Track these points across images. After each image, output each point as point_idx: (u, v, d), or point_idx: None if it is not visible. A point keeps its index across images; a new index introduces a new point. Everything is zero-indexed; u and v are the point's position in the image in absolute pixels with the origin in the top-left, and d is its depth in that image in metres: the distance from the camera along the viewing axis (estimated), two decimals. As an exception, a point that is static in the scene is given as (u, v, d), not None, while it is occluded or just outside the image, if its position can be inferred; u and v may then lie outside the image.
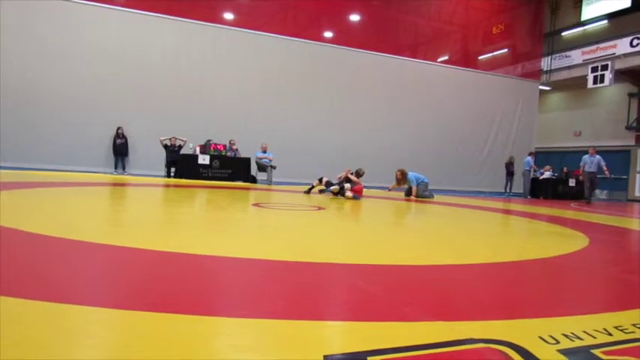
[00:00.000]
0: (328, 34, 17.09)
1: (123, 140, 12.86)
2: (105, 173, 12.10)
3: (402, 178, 10.19)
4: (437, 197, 10.32)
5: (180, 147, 12.52)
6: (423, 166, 16.35)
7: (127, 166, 12.97)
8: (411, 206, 8.05)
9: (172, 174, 12.18)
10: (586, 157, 12.91)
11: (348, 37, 16.55)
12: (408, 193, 10.13)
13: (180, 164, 12.03)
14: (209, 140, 12.51)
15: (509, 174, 16.29)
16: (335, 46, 16.07)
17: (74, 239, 2.67)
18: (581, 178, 13.02)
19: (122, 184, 8.81)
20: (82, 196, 5.89)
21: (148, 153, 13.00)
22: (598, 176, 13.27)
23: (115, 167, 12.83)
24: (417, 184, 10.01)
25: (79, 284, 1.84)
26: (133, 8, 13.39)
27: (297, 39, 15.30)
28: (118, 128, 12.77)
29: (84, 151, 12.51)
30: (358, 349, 1.29)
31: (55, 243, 2.56)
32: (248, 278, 2.15)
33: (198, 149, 12.28)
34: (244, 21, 15.16)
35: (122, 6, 13.41)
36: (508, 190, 16.18)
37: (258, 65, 14.72)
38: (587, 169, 12.85)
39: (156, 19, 13.62)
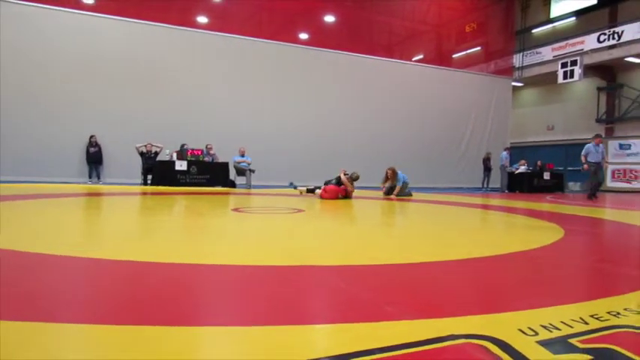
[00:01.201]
0: (303, 36, 17.10)
1: (96, 149, 12.62)
2: (79, 183, 11.86)
3: (392, 176, 10.12)
4: (416, 195, 10.41)
5: (156, 154, 12.34)
6: (400, 164, 16.45)
7: (101, 175, 12.73)
8: (390, 205, 8.10)
9: (149, 181, 12.00)
10: (590, 145, 11.35)
11: (322, 39, 16.58)
12: (389, 191, 10.11)
13: (157, 171, 11.85)
14: (184, 145, 12.34)
15: (487, 169, 16.54)
16: (310, 47, 16.08)
17: (47, 253, 2.61)
18: (583, 168, 11.36)
19: (97, 194, 8.65)
20: (55, 207, 5.76)
21: (123, 161, 12.78)
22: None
23: (90, 177, 12.58)
24: (402, 184, 10.01)
25: (54, 301, 1.80)
26: (103, 14, 13.16)
27: (271, 41, 15.25)
28: (91, 136, 12.53)
29: (56, 162, 12.21)
30: (341, 352, 1.29)
31: (26, 258, 2.50)
32: (229, 285, 2.14)
33: (175, 155, 12.13)
34: (218, 24, 15.07)
35: (92, 12, 13.17)
36: (486, 186, 16.42)
37: (233, 69, 14.63)
38: (590, 159, 11.25)
39: (127, 25, 13.42)
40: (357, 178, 9.03)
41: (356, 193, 9.28)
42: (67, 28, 12.61)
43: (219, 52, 14.51)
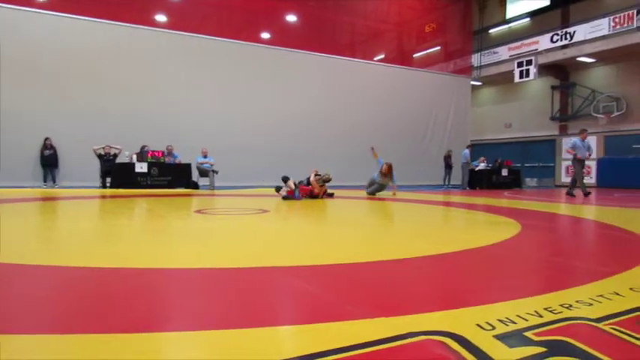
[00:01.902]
0: (265, 36, 17.00)
1: (51, 151, 12.15)
2: (33, 187, 11.39)
3: (388, 172, 9.79)
4: (379, 193, 10.49)
5: (115, 156, 12.00)
6: (363, 162, 16.67)
7: (57, 179, 12.27)
8: (354, 204, 8.16)
9: (108, 184, 11.66)
10: (576, 140, 10.73)
11: (285, 38, 16.54)
12: (375, 190, 10.00)
13: (116, 174, 11.54)
14: (144, 146, 12.07)
15: (448, 167, 16.86)
16: (273, 47, 15.99)
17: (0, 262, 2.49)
18: (571, 166, 10.70)
19: (53, 198, 8.34)
20: (7, 213, 5.51)
21: (80, 164, 12.34)
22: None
23: (45, 180, 12.11)
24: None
25: (8, 312, 1.72)
26: (59, 12, 12.69)
27: (233, 40, 15.09)
28: (46, 139, 12.05)
29: (8, 165, 11.65)
30: (301, 354, 1.28)
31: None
32: (191, 290, 2.10)
33: (134, 157, 11.83)
34: (178, 23, 14.77)
35: (48, 9, 12.67)
36: (447, 183, 16.74)
37: (195, 69, 14.39)
38: (579, 153, 10.53)
39: (84, 23, 12.97)
40: (327, 180, 9.00)
41: (345, 193, 9.31)
42: (18, 26, 12.08)
43: (179, 51, 14.23)
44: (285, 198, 8.33)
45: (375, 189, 10.06)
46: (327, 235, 4.19)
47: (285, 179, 8.61)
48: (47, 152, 12.10)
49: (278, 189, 8.93)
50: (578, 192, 10.56)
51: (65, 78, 12.58)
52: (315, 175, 8.85)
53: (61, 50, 12.57)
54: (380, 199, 9.23)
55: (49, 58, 12.40)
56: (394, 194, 9.93)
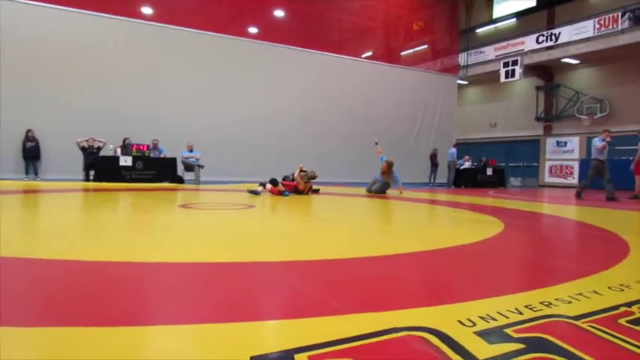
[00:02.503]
0: (252, 30, 16.91)
1: (34, 143, 11.95)
2: (15, 180, 11.20)
3: (387, 170, 9.46)
4: (363, 190, 10.50)
5: (99, 149, 11.83)
6: (350, 159, 16.74)
7: (39, 171, 12.09)
8: (341, 201, 8.17)
9: (91, 178, 11.50)
10: (597, 140, 9.81)
11: (271, 33, 16.47)
12: (379, 190, 9.59)
13: (100, 167, 11.39)
14: (126, 139, 11.89)
15: (434, 165, 16.97)
16: (260, 42, 15.91)
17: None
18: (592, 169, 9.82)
19: (34, 191, 8.22)
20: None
21: (63, 156, 12.15)
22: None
23: (26, 173, 11.90)
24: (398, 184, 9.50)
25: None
26: (42, 2, 12.46)
27: (219, 34, 14.97)
28: (28, 131, 11.84)
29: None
30: (285, 348, 1.29)
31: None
32: (174, 284, 2.08)
33: (119, 150, 11.69)
34: (163, 16, 14.61)
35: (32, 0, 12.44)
36: (433, 181, 16.85)
37: (181, 62, 14.25)
38: (597, 155, 9.68)
39: (68, 14, 12.74)
40: (312, 177, 8.95)
41: (330, 189, 9.22)
42: (4, 16, 11.83)
43: (166, 45, 14.08)
44: (252, 192, 8.30)
45: (377, 188, 9.66)
46: (311, 232, 4.20)
47: (274, 182, 8.52)
48: (29, 144, 11.90)
49: (256, 188, 8.73)
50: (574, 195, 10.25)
51: (48, 69, 12.37)
52: (301, 171, 8.82)
53: (45, 42, 12.34)
54: (368, 196, 9.24)
55: (32, 50, 12.16)
56: (400, 193, 9.53)
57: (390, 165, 9.43)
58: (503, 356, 1.27)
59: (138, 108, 13.37)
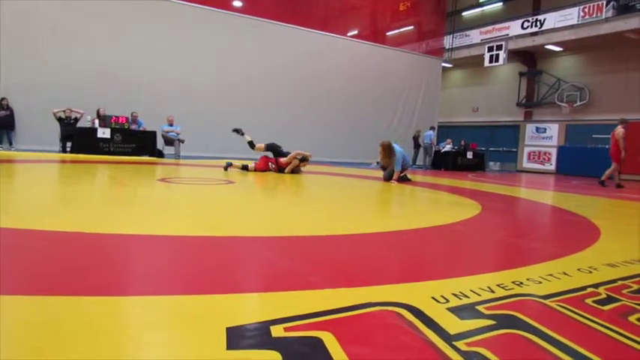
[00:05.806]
0: (237, 4, 16.55)
1: (8, 112, 11.62)
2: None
3: (385, 154, 7.97)
4: (345, 170, 10.54)
5: (76, 120, 11.57)
6: (331, 138, 16.73)
7: (13, 141, 11.79)
8: (323, 179, 8.18)
9: (68, 149, 11.26)
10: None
11: (256, 7, 16.15)
12: (388, 177, 7.89)
13: (77, 138, 11.14)
14: (99, 109, 11.52)
15: (417, 146, 17.09)
16: (244, 15, 15.61)
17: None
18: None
19: (8, 161, 8.03)
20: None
21: (39, 126, 11.85)
22: None
23: (0, 142, 11.61)
24: (402, 167, 7.92)
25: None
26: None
27: (200, 6, 14.61)
28: (2, 99, 11.51)
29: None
30: (261, 319, 1.30)
31: None
32: (151, 256, 2.08)
33: (97, 122, 11.44)
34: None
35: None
36: (413, 163, 16.97)
37: (162, 33, 13.91)
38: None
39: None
40: (304, 159, 8.77)
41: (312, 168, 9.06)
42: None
43: (145, 16, 13.71)
44: (226, 168, 8.27)
45: (386, 175, 8.04)
46: (291, 208, 4.21)
47: (252, 145, 8.57)
48: (3, 113, 11.57)
49: (244, 167, 8.62)
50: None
51: (25, 36, 11.98)
52: (298, 153, 8.56)
53: (21, 7, 11.92)
54: (346, 175, 9.27)
55: (6, 15, 11.74)
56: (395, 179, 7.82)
57: (384, 148, 7.96)
58: (473, 331, 1.31)
59: (117, 81, 13.07)
